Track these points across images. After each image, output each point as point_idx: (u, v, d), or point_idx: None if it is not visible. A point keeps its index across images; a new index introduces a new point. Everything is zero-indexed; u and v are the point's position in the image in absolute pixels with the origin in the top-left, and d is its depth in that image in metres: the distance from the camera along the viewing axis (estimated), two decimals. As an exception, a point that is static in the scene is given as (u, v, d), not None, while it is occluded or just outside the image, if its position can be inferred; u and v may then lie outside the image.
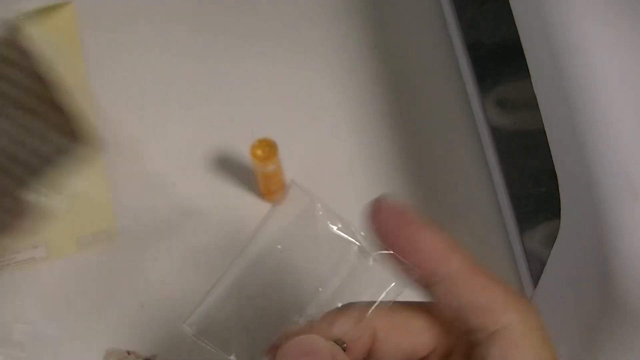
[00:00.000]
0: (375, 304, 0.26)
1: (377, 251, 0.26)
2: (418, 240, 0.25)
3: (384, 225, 0.26)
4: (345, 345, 0.26)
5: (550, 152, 0.35)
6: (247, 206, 0.49)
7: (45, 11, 0.56)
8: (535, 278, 0.43)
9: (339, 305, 0.27)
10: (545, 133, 0.35)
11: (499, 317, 0.24)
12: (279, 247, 0.27)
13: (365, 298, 0.26)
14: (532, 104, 0.36)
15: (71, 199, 0.50)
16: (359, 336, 0.26)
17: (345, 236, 0.27)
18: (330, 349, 0.24)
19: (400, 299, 0.27)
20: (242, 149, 0.50)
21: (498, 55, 0.50)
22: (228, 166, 0.50)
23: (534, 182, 0.46)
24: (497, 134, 0.47)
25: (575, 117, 0.32)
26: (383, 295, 0.26)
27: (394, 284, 0.26)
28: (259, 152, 0.44)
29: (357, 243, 0.27)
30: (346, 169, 0.50)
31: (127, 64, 0.54)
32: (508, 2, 0.38)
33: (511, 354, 0.24)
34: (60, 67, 0.54)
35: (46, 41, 0.55)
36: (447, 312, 0.26)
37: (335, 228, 0.27)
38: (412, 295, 0.27)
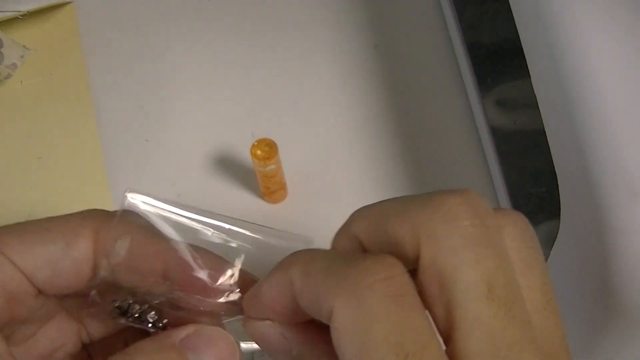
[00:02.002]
0: None
1: None
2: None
3: None
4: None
5: (550, 152, 0.35)
6: (247, 206, 0.49)
7: (45, 11, 0.56)
8: (535, 278, 0.43)
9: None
10: (545, 133, 0.35)
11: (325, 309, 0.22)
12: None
13: None
14: (532, 104, 0.36)
15: (71, 200, 0.50)
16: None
17: None
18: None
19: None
20: (242, 149, 0.50)
21: (498, 55, 0.50)
22: (228, 166, 0.50)
23: (534, 182, 0.46)
24: (497, 133, 0.47)
25: (575, 117, 0.32)
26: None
27: None
28: (259, 152, 0.44)
29: None
30: (346, 168, 0.50)
31: (127, 64, 0.54)
32: (508, 2, 0.38)
33: (341, 343, 0.21)
34: (61, 67, 0.54)
35: (46, 41, 0.55)
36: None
37: None
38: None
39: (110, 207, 0.49)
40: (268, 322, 0.25)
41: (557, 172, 0.35)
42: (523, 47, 0.37)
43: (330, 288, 0.22)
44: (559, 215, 0.35)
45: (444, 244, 0.22)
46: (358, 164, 0.50)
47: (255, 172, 0.46)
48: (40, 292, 0.26)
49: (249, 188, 0.49)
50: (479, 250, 0.22)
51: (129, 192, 0.27)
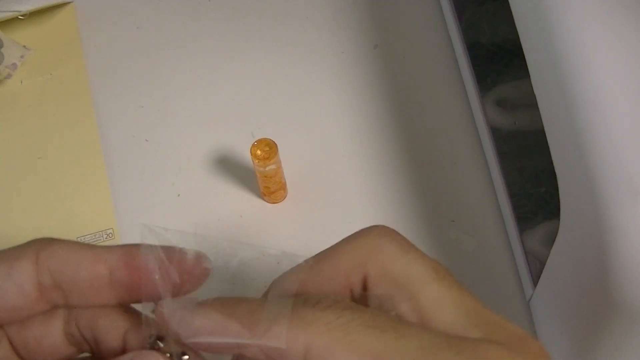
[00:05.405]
0: None
1: None
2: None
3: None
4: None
5: (550, 152, 0.35)
6: (247, 206, 0.49)
7: (45, 11, 0.56)
8: (535, 278, 0.43)
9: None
10: (545, 133, 0.35)
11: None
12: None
13: None
14: (532, 104, 0.36)
15: (71, 200, 0.50)
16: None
17: None
18: None
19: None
20: (242, 149, 0.50)
21: (498, 55, 0.50)
22: (228, 166, 0.50)
23: (534, 182, 0.46)
24: (497, 134, 0.47)
25: (575, 117, 0.32)
26: None
27: None
28: (259, 152, 0.44)
29: None
30: (346, 169, 0.50)
31: (127, 64, 0.54)
32: (508, 2, 0.38)
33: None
34: (61, 67, 0.54)
35: (46, 41, 0.55)
36: None
37: None
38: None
39: (110, 206, 0.49)
40: None
41: (557, 172, 0.35)
42: (523, 47, 0.37)
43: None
44: (559, 215, 0.35)
45: (390, 253, 0.26)
46: (358, 163, 0.50)
47: (255, 172, 0.46)
48: None
49: (249, 188, 0.49)
50: (416, 251, 0.27)
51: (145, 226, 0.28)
